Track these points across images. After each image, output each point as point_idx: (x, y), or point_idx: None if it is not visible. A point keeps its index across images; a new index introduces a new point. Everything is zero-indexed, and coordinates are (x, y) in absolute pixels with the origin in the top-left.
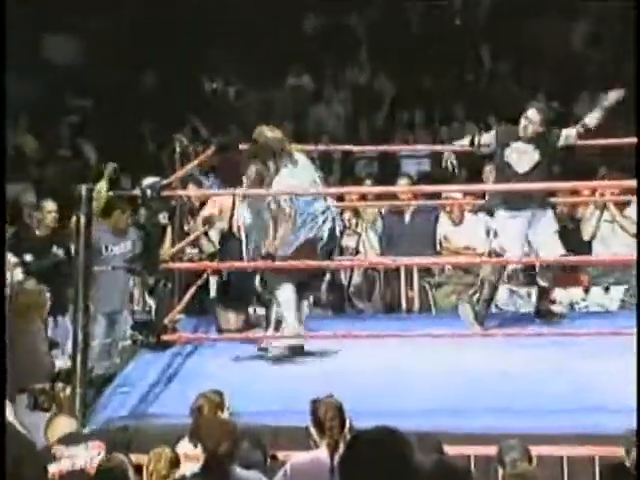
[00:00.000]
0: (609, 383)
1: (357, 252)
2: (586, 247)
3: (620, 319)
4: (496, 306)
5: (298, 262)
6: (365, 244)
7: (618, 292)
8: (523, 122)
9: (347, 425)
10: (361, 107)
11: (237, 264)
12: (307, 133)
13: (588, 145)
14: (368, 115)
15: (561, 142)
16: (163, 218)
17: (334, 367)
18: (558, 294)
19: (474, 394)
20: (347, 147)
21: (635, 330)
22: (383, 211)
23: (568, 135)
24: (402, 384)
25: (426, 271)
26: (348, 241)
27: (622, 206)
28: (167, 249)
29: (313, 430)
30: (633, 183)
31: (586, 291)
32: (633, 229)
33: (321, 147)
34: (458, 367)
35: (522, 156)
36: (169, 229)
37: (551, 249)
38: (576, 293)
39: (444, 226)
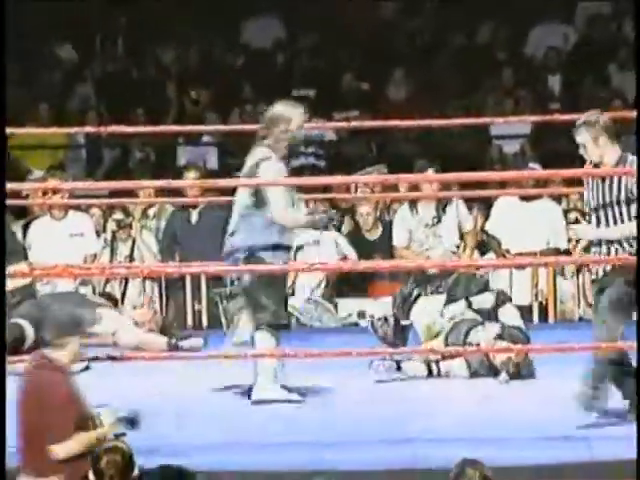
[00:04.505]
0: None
1: (132, 259)
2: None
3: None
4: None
5: None
6: (140, 248)
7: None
8: None
9: (135, 472)
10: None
11: None
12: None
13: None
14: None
15: None
16: None
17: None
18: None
19: (280, 426)
20: (119, 128)
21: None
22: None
23: None
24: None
25: (217, 280)
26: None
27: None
28: None
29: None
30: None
31: None
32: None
33: (89, 129)
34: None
35: None
36: None
37: None
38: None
39: None
